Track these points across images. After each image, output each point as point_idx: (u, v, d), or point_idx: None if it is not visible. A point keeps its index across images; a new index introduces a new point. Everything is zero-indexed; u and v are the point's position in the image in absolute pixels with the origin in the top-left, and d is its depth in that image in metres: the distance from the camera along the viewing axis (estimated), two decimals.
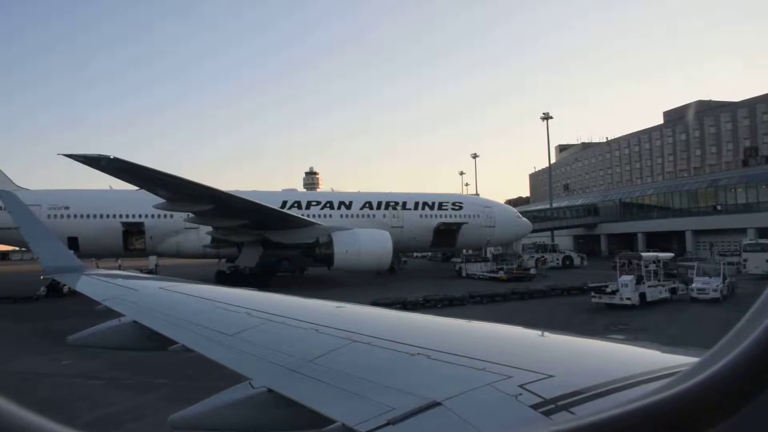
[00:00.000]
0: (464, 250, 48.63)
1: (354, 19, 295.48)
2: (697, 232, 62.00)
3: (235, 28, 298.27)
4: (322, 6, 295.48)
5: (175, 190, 31.88)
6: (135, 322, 4.68)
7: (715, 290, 26.19)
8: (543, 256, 50.53)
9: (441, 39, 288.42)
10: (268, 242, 36.69)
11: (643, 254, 29.60)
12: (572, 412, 1.68)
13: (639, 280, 25.94)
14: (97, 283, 6.89)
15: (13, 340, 19.42)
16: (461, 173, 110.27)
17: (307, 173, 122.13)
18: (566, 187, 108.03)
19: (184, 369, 11.99)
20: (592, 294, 26.23)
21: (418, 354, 2.54)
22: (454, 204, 46.76)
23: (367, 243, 36.14)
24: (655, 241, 63.85)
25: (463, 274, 44.12)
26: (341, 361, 2.66)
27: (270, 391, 2.57)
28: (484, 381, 2.04)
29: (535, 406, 1.76)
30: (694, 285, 27.19)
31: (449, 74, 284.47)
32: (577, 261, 53.78)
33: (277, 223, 35.86)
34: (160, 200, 33.80)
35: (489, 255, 47.40)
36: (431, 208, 45.73)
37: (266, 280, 36.70)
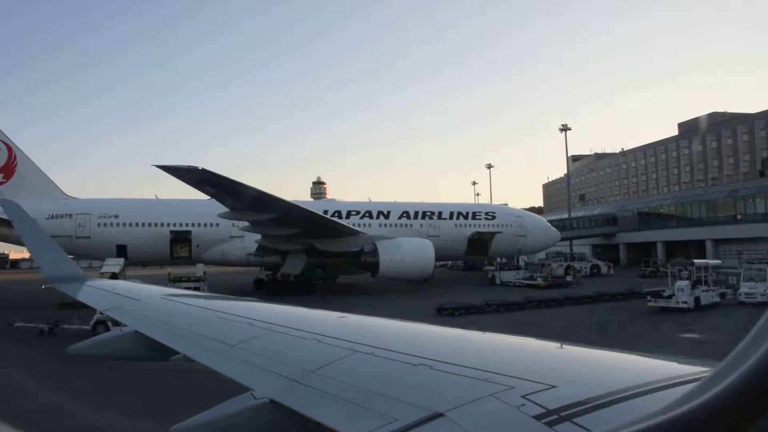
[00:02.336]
0: (498, 259, 50.26)
1: (360, 25, 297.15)
2: (716, 242, 63.06)
3: (237, 37, 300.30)
4: (326, 14, 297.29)
5: (245, 200, 32.84)
6: (137, 331, 4.68)
7: (763, 294, 27.76)
8: (571, 265, 52.54)
9: (446, 49, 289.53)
10: (314, 250, 37.69)
11: (695, 261, 31.53)
12: (576, 423, 1.67)
13: (693, 285, 27.63)
14: (99, 293, 6.88)
15: None
16: (474, 183, 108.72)
17: (314, 183, 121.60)
18: (582, 197, 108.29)
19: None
20: (648, 298, 27.65)
21: (421, 364, 2.53)
22: (487, 214, 48.41)
23: (410, 251, 37.28)
24: (674, 250, 65.19)
25: (497, 281, 45.51)
26: (344, 372, 2.66)
27: (272, 401, 2.56)
28: (487, 392, 2.03)
29: (538, 417, 1.76)
30: (741, 289, 28.74)
31: (456, 84, 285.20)
32: (604, 269, 55.69)
33: (327, 231, 36.91)
34: (224, 209, 35.26)
35: (522, 263, 49.10)
36: (465, 217, 47.29)
37: (311, 287, 38.16)
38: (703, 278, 29.10)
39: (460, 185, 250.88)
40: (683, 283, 27.07)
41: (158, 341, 4.24)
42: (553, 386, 2.00)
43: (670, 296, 26.74)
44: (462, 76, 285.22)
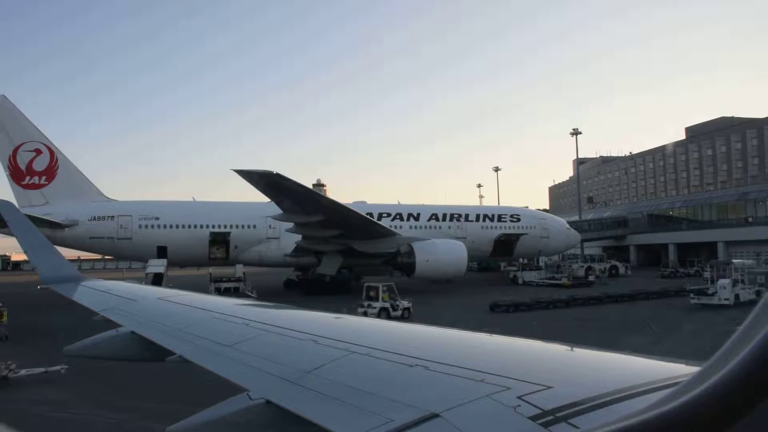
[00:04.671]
0: (521, 259, 52.26)
1: (361, 26, 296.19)
2: (726, 243, 64.27)
3: (236, 38, 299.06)
4: (327, 15, 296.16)
5: (305, 203, 34.11)
6: (133, 332, 4.67)
7: None
8: (591, 265, 54.62)
9: (446, 50, 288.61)
10: (350, 251, 38.72)
11: (734, 261, 34.16)
12: (571, 424, 1.67)
13: (733, 284, 29.78)
14: (95, 293, 6.87)
15: None
16: (479, 185, 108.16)
17: (314, 185, 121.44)
18: (590, 200, 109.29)
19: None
20: (691, 296, 29.83)
21: (417, 365, 2.53)
22: (512, 216, 50.14)
23: (445, 253, 38.54)
24: (684, 252, 66.77)
25: (520, 281, 47.36)
26: (340, 373, 2.66)
27: (268, 402, 2.56)
28: (483, 392, 2.03)
29: (533, 418, 1.76)
30: None
31: (457, 86, 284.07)
32: (621, 270, 57.47)
33: (367, 233, 37.93)
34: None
35: (542, 264, 51.96)
36: (491, 220, 48.97)
37: (346, 287, 39.00)
38: (740, 278, 31.15)
39: (462, 187, 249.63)
40: (725, 282, 29.03)
41: (154, 342, 4.24)
42: (549, 387, 2.00)
43: (712, 294, 28.85)
44: (463, 77, 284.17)
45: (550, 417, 1.74)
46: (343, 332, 3.58)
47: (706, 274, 31.98)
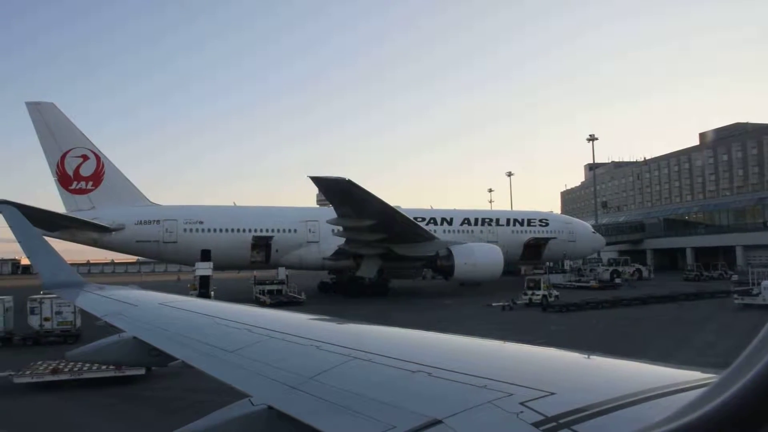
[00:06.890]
0: (548, 263, 53.74)
1: (367, 26, 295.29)
2: (744, 248, 65.36)
3: (237, 41, 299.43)
4: (330, 15, 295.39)
5: (364, 209, 35.06)
6: (135, 337, 4.68)
7: None
8: (617, 269, 56.10)
9: (450, 53, 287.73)
10: (391, 254, 39.81)
11: None
12: (574, 430, 1.67)
13: None
14: (97, 298, 6.86)
15: None
16: (490, 190, 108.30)
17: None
18: (604, 205, 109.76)
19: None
20: (735, 296, 31.46)
21: (419, 371, 2.53)
22: (540, 221, 51.61)
23: (482, 256, 39.85)
24: (700, 256, 67.84)
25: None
26: (342, 379, 2.65)
27: (270, 408, 2.56)
28: (485, 398, 2.03)
29: (536, 424, 1.75)
30: None
31: (459, 88, 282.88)
32: (645, 273, 58.86)
33: (410, 237, 38.93)
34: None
35: (567, 267, 54.13)
36: (521, 224, 50.30)
37: (385, 290, 40.50)
38: None
39: (468, 191, 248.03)
40: None
41: (156, 347, 4.24)
42: (552, 393, 1.99)
43: (756, 294, 30.09)
44: (470, 80, 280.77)
45: (553, 423, 1.74)
46: (345, 338, 3.58)
47: (734, 277, 32.78)
